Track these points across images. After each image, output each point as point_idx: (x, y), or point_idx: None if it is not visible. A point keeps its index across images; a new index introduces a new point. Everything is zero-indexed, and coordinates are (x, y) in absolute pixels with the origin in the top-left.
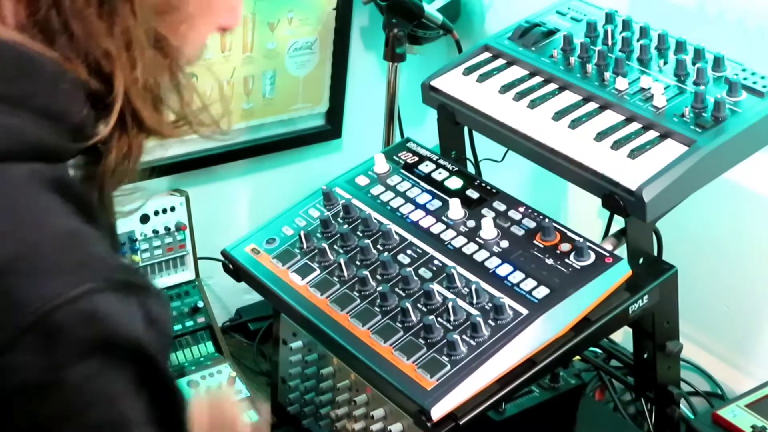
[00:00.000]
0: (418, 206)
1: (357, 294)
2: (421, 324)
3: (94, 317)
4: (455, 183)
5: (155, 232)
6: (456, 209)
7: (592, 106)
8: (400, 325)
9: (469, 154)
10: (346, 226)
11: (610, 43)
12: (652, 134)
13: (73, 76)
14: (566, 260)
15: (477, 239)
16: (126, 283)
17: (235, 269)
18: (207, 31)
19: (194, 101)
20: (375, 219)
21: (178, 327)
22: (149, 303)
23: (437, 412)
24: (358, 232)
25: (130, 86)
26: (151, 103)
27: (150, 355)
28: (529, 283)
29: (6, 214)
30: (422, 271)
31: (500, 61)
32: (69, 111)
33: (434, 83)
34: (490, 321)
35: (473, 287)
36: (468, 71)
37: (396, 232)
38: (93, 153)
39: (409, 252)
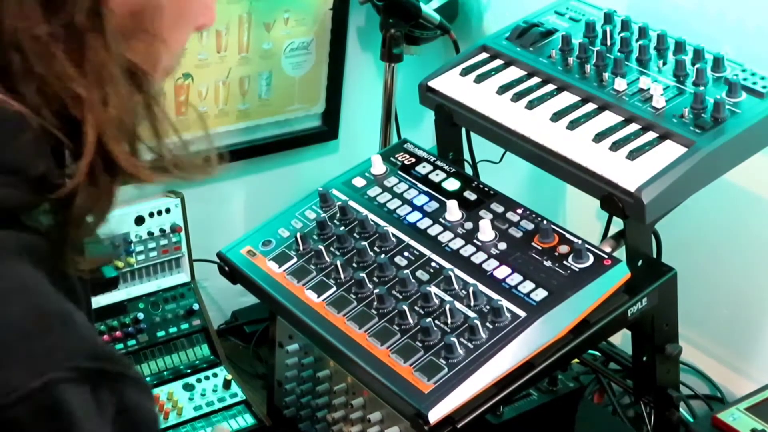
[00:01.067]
0: (415, 208)
1: (354, 296)
2: (419, 327)
3: (55, 412)
4: (453, 184)
5: (150, 233)
6: (453, 211)
7: (590, 106)
8: (397, 328)
9: (466, 156)
10: (342, 227)
11: (608, 43)
12: (651, 135)
13: (37, 126)
14: (565, 262)
15: (475, 241)
16: (98, 371)
17: (230, 271)
18: (185, 38)
19: (171, 135)
20: (372, 221)
21: (173, 330)
22: (125, 392)
23: (434, 415)
24: (355, 234)
25: (103, 129)
26: (127, 144)
27: None
28: (527, 286)
29: None
30: (419, 273)
31: (498, 62)
32: (30, 165)
33: (431, 84)
34: (487, 323)
35: (471, 289)
36: (465, 72)
37: (393, 234)
38: (57, 202)
39: (406, 254)
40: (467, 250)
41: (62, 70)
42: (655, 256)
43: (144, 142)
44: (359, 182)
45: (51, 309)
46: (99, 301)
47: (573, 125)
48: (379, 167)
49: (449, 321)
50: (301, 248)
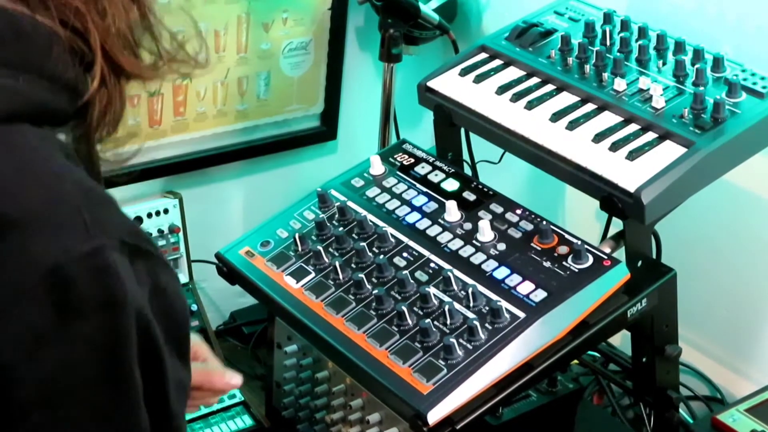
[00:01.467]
0: (414, 208)
1: (352, 297)
2: (417, 327)
3: (106, 274)
4: (452, 185)
5: (148, 234)
6: (452, 211)
7: (590, 107)
8: (395, 329)
9: (465, 156)
10: (341, 228)
11: (608, 43)
12: (650, 135)
13: (55, 36)
14: (564, 263)
15: (474, 242)
16: (137, 248)
17: (229, 272)
18: None
19: (167, 39)
20: (370, 221)
21: None
22: (158, 272)
23: (433, 416)
24: (354, 235)
25: (105, 37)
26: (128, 49)
27: (149, 324)
28: (527, 287)
29: (22, 170)
30: (418, 274)
31: (497, 62)
32: (63, 72)
33: (430, 84)
34: (487, 324)
35: (470, 290)
36: (464, 72)
37: (392, 235)
38: (80, 114)
39: (405, 255)
40: (466, 251)
41: None
42: (654, 256)
43: (143, 46)
44: (358, 183)
45: (97, 190)
46: None
47: (572, 125)
48: (377, 168)
49: (448, 322)
50: (300, 249)
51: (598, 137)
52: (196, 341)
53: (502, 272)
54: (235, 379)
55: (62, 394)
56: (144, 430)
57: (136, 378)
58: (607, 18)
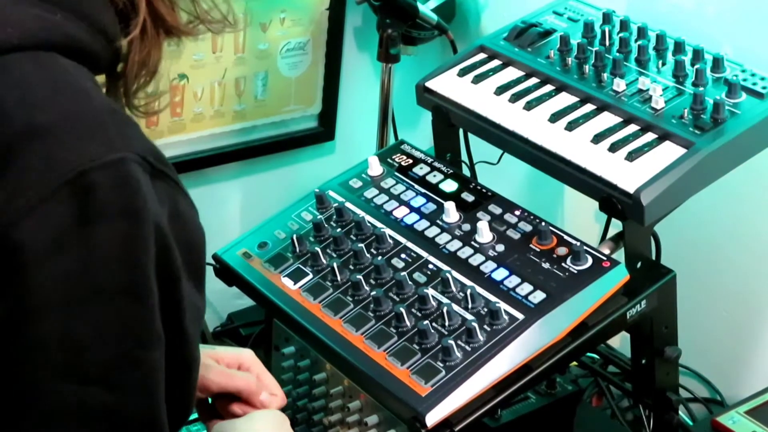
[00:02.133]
0: (412, 209)
1: (350, 299)
2: (416, 329)
3: (128, 183)
4: (450, 186)
5: None
6: (451, 212)
7: (589, 107)
8: (394, 331)
9: (464, 157)
10: (339, 229)
11: (607, 43)
12: (650, 136)
13: None
14: (563, 264)
15: (472, 243)
16: (159, 171)
17: (226, 273)
18: None
19: (206, 1)
20: (369, 222)
21: None
22: (177, 198)
23: (432, 418)
24: (352, 236)
25: None
26: (170, 5)
27: (168, 241)
28: (525, 288)
29: (52, 85)
30: (417, 275)
31: (496, 62)
32: (98, 13)
33: (429, 84)
34: (485, 326)
35: (468, 292)
36: (463, 72)
37: (390, 236)
38: (113, 66)
39: (403, 256)
40: (465, 252)
41: None
42: (654, 258)
43: (181, 7)
44: (356, 184)
45: (124, 113)
46: None
47: (571, 126)
48: (376, 168)
49: (447, 323)
50: (298, 250)
51: (598, 138)
52: (252, 359)
53: (500, 273)
54: (267, 401)
55: (80, 296)
56: (158, 339)
57: (152, 287)
58: (607, 18)
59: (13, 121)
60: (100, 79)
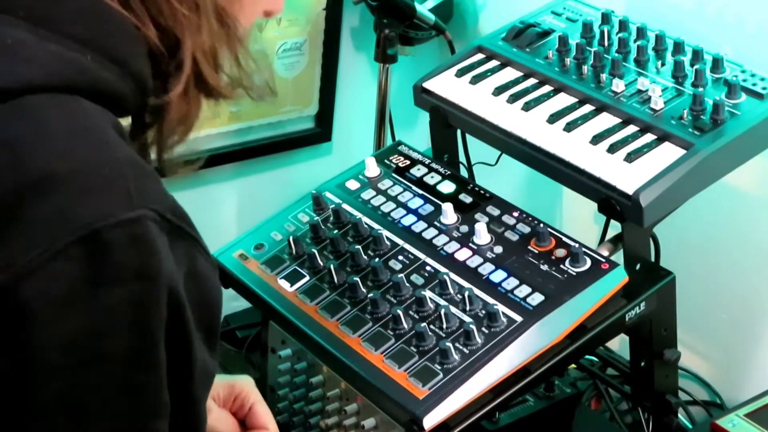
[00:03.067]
0: (409, 211)
1: (347, 301)
2: (413, 331)
3: (143, 244)
4: (448, 187)
5: None
6: (449, 214)
7: (588, 108)
8: (391, 333)
9: (462, 158)
10: (336, 231)
11: (606, 44)
12: (649, 137)
13: (138, 33)
14: (561, 266)
15: (470, 245)
16: (177, 228)
17: (222, 275)
18: (254, 13)
19: (249, 66)
20: (366, 224)
21: None
22: (196, 256)
23: (429, 421)
24: (349, 238)
25: (196, 49)
26: (213, 67)
27: (182, 304)
28: (524, 290)
29: (72, 132)
30: (414, 277)
31: (494, 63)
32: (133, 59)
33: (426, 85)
34: (483, 328)
35: (466, 294)
36: (461, 73)
37: (387, 238)
38: (141, 114)
39: (400, 258)
40: (462, 254)
41: None
42: (653, 259)
43: (224, 71)
44: (353, 185)
45: (146, 165)
46: None
47: (570, 127)
48: (373, 170)
49: (444, 326)
50: (294, 252)
51: (596, 139)
52: (248, 388)
53: (498, 275)
54: None
55: (86, 360)
56: (165, 407)
57: (162, 356)
58: (605, 18)
59: (29, 168)
60: (125, 120)
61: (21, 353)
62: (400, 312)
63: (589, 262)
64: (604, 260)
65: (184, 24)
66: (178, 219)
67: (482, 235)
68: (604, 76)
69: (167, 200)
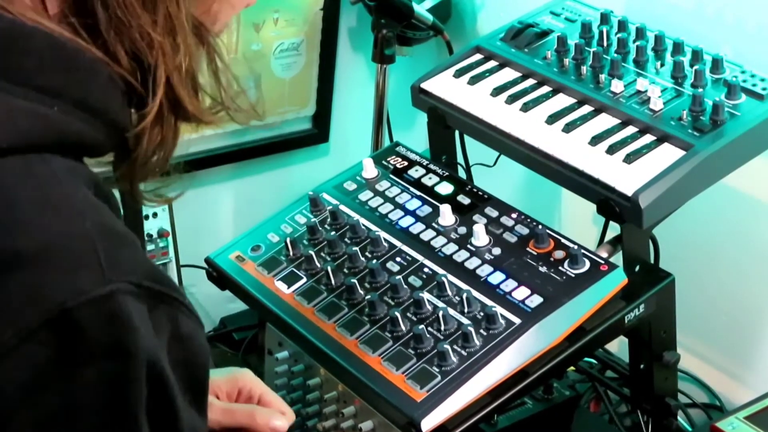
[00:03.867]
0: (407, 212)
1: (345, 303)
2: (411, 334)
3: (117, 320)
4: (446, 188)
5: None
6: (447, 215)
7: (586, 109)
8: (389, 335)
9: (460, 159)
10: (333, 232)
11: (605, 44)
12: (648, 138)
13: (110, 71)
14: (560, 268)
15: (468, 246)
16: (157, 293)
17: (219, 277)
18: (233, 11)
19: (231, 86)
20: (363, 225)
21: None
22: (179, 318)
23: (427, 424)
24: (346, 239)
25: (172, 73)
26: (192, 90)
27: (163, 375)
28: (522, 292)
29: (40, 203)
30: (412, 279)
31: (492, 63)
32: (105, 105)
33: (424, 86)
34: (481, 330)
35: (464, 296)
36: (459, 73)
37: (385, 239)
38: (121, 147)
39: (398, 259)
40: (461, 256)
41: (140, 20)
42: (652, 261)
43: (206, 91)
44: (350, 186)
45: (119, 229)
46: None
47: (569, 128)
48: (370, 171)
49: (442, 328)
50: (291, 254)
51: (595, 140)
52: (250, 380)
53: (497, 277)
54: (279, 422)
55: None
56: None
57: (142, 430)
58: (604, 18)
59: None
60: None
61: None
62: (397, 314)
63: (588, 264)
64: (603, 262)
65: (157, 48)
66: (157, 284)
67: (480, 237)
68: (603, 77)
69: (143, 266)
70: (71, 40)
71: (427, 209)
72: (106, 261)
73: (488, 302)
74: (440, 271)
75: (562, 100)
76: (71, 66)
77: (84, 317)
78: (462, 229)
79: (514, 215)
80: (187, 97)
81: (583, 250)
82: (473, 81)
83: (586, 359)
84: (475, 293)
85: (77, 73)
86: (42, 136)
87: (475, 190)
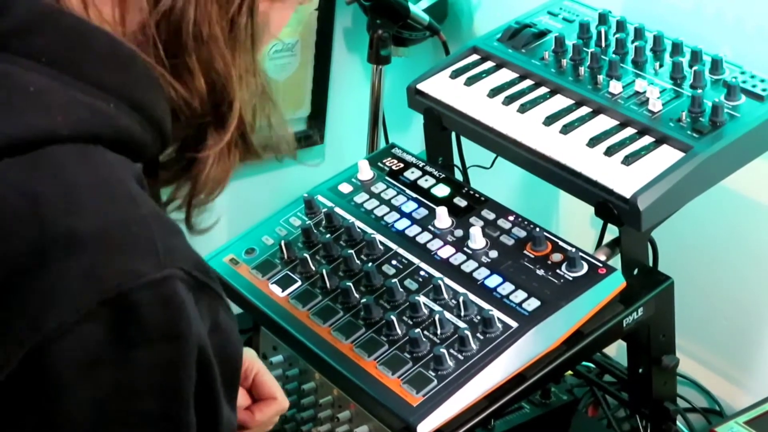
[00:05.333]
0: (403, 215)
1: (340, 306)
2: (407, 337)
3: (172, 305)
4: (442, 191)
5: None
6: (443, 218)
7: (584, 110)
8: (384, 339)
9: (456, 161)
10: (328, 235)
11: (603, 44)
12: (647, 140)
13: (158, 78)
14: (558, 271)
15: (465, 249)
16: (203, 283)
17: None
18: (285, 21)
19: (281, 127)
20: (359, 228)
21: None
22: (219, 311)
23: (423, 429)
24: (341, 242)
25: (245, 108)
26: (252, 126)
27: (210, 363)
28: (519, 295)
29: (98, 188)
30: (408, 282)
31: (489, 64)
32: (154, 107)
33: (420, 87)
34: (478, 334)
35: (461, 299)
36: (455, 74)
37: (380, 242)
38: (154, 170)
39: (394, 262)
40: (457, 259)
41: (224, 57)
42: (651, 264)
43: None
44: (346, 188)
45: (169, 220)
46: None
47: (566, 129)
48: (366, 173)
49: (438, 332)
50: (286, 256)
51: (593, 141)
52: (250, 357)
53: (494, 280)
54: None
55: (116, 422)
56: None
57: (191, 418)
58: (603, 19)
59: (51, 226)
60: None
61: (50, 416)
62: (393, 317)
63: (585, 267)
64: (601, 265)
65: (236, 83)
66: (203, 275)
67: (477, 240)
68: (601, 78)
69: (192, 256)
70: (125, 44)
71: (423, 212)
72: (162, 247)
73: (485, 306)
74: (436, 274)
75: (560, 102)
76: (128, 68)
77: (141, 299)
78: (458, 232)
79: (511, 218)
80: (251, 132)
81: (580, 253)
82: (470, 82)
83: (584, 363)
84: (472, 296)
85: (132, 75)
86: (99, 128)
87: (471, 192)
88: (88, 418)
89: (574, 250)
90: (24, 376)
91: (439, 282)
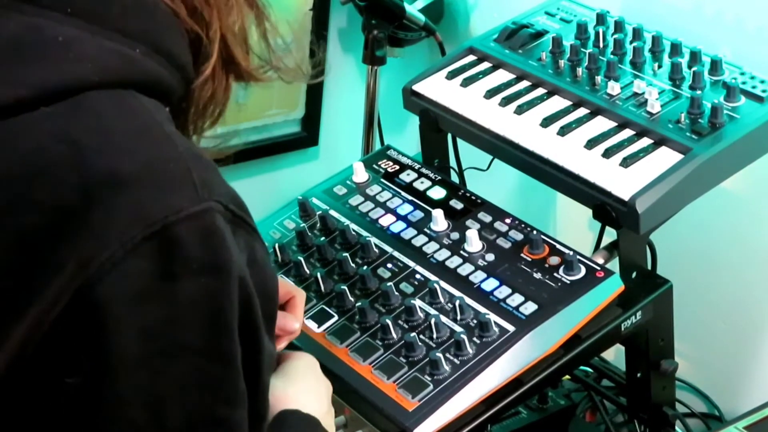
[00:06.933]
0: (399, 217)
1: (335, 310)
2: (403, 341)
3: (214, 236)
4: (438, 193)
5: None
6: (439, 221)
7: (582, 111)
8: (380, 343)
9: (452, 163)
10: (323, 238)
11: (601, 45)
12: (645, 141)
13: (178, 21)
14: (555, 274)
15: (461, 252)
16: (239, 217)
17: None
18: None
19: (279, 46)
20: (353, 231)
21: None
22: (254, 245)
23: None
24: (336, 245)
25: (226, 31)
26: (243, 48)
27: (251, 295)
28: (516, 299)
29: (135, 130)
30: (403, 285)
31: (486, 65)
32: (178, 50)
33: (416, 88)
34: (475, 338)
35: (457, 303)
36: (452, 75)
37: (376, 245)
38: (180, 107)
39: (389, 265)
40: (453, 262)
41: None
42: (649, 267)
43: (254, 51)
44: (340, 190)
45: (204, 156)
46: None
47: (564, 131)
48: (361, 175)
49: (434, 336)
50: (280, 259)
51: (591, 143)
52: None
53: (490, 284)
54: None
55: (162, 354)
56: (242, 396)
57: (237, 346)
58: (601, 19)
59: (95, 168)
60: None
61: (99, 352)
62: (389, 321)
63: (583, 270)
64: (599, 268)
65: (213, 7)
66: (239, 209)
67: (473, 243)
68: (599, 79)
69: (229, 191)
70: None
71: (418, 214)
72: (200, 181)
73: (482, 309)
74: (432, 277)
75: (558, 103)
76: (150, 13)
77: (183, 232)
78: (455, 235)
79: (508, 220)
80: (240, 55)
81: (578, 256)
82: (466, 83)
83: (582, 368)
84: (468, 300)
85: (156, 21)
86: (129, 73)
87: (468, 194)
88: (136, 351)
89: (571, 253)
90: (74, 313)
91: (435, 285)
